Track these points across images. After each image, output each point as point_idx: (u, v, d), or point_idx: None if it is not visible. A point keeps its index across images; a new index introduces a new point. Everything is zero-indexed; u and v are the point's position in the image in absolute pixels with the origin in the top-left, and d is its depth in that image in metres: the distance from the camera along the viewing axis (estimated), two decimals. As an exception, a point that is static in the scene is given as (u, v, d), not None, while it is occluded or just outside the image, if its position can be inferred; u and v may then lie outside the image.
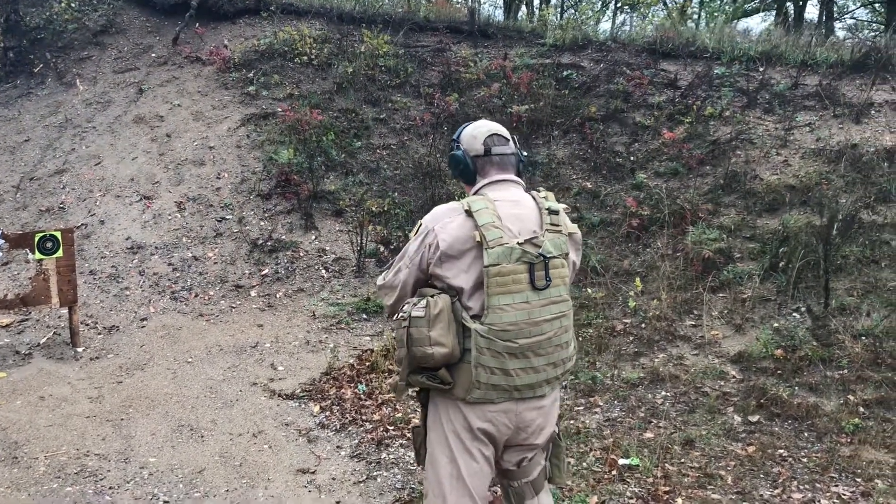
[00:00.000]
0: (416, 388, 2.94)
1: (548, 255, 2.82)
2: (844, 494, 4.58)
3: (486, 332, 2.74)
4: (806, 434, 5.39)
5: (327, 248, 8.44)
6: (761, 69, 10.14)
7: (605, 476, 4.74)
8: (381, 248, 8.37)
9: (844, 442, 5.23)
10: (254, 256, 8.31)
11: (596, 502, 4.39)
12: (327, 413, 5.60)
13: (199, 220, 8.81)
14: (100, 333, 7.05)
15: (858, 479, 4.76)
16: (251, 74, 11.01)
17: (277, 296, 7.81)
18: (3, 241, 6.31)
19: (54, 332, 6.96)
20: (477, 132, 3.02)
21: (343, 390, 5.94)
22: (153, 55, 11.60)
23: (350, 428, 5.36)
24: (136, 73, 11.28)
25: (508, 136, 3.06)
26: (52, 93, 11.03)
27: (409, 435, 5.21)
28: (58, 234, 6.57)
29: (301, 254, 8.35)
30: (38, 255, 6.49)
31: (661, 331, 6.98)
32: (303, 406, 5.74)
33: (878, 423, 5.41)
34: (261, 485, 4.60)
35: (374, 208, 8.87)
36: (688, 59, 10.55)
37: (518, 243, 2.79)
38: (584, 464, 4.91)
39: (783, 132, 8.95)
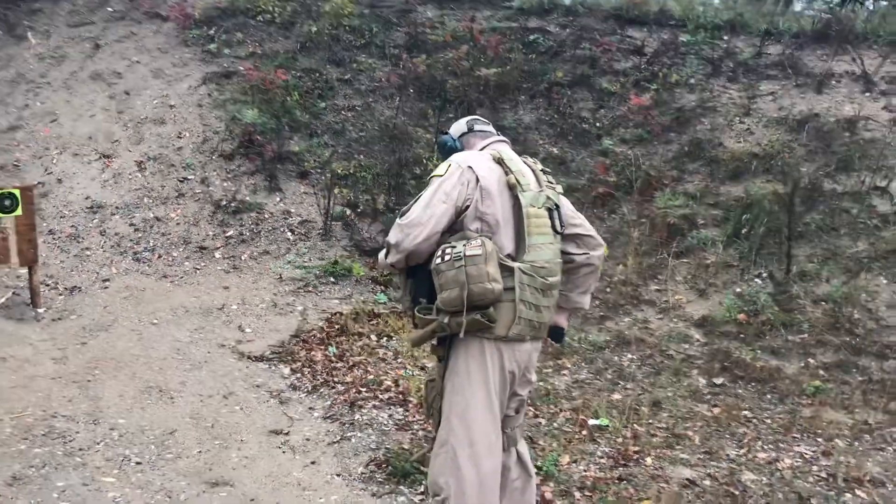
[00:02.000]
0: (437, 338, 2.98)
1: (557, 206, 3.08)
2: (806, 454, 4.73)
3: (528, 269, 2.91)
4: (769, 396, 5.54)
5: (292, 211, 8.35)
6: (725, 37, 10.21)
7: (576, 436, 4.82)
8: (348, 212, 8.31)
9: (805, 404, 5.39)
10: (217, 217, 8.19)
11: (567, 462, 4.46)
12: (298, 375, 5.58)
13: (160, 180, 8.63)
14: (61, 294, 6.90)
15: (819, 439, 4.92)
16: (213, 32, 10.74)
17: (242, 258, 7.72)
18: (-40, 198, 6.12)
19: (13, 293, 6.79)
20: (460, 121, 3.37)
21: (313, 353, 5.92)
22: (109, 9, 11.22)
23: (322, 390, 5.36)
24: (91, 28, 10.92)
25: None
26: (3, 46, 10.63)
27: (382, 397, 5.23)
28: (16, 192, 6.39)
29: (266, 216, 8.25)
30: (-3, 214, 6.31)
31: (627, 295, 7.08)
32: (273, 368, 5.72)
33: (837, 385, 5.58)
34: (234, 446, 4.58)
35: (339, 171, 8.78)
36: (654, 25, 10.56)
37: (539, 191, 3.02)
38: (555, 424, 4.98)
39: (747, 101, 9.06)
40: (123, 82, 10.00)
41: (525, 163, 3.12)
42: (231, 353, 5.92)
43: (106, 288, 7.06)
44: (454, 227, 2.94)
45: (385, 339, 6.26)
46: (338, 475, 4.29)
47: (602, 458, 4.58)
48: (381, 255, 3.10)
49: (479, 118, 3.40)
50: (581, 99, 9.75)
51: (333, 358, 5.83)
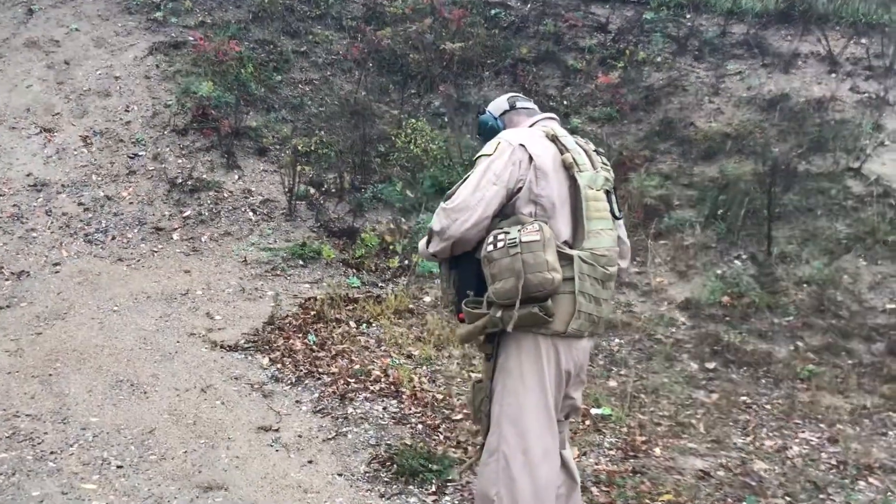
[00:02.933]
0: (487, 334, 2.71)
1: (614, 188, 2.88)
2: (812, 440, 4.66)
3: (588, 258, 2.66)
4: (763, 381, 5.47)
5: (253, 189, 7.93)
6: (689, 16, 10.12)
7: (581, 426, 4.63)
8: (312, 191, 7.93)
9: (801, 388, 5.33)
10: (173, 197, 7.71)
11: (577, 454, 4.27)
12: (278, 366, 5.25)
13: (108, 157, 8.09)
14: (7, 279, 6.38)
15: (822, 425, 4.85)
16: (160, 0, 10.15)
17: (202, 239, 7.28)
18: None
19: (-46, 279, 6.25)
20: (499, 99, 3.14)
21: (291, 341, 5.59)
22: (44, -27, 10.49)
23: (306, 381, 5.05)
24: (24, -8, 10.18)
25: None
26: (-74, 10, 9.83)
27: (372, 388, 4.95)
28: (-42, 169, 5.83)
29: (225, 194, 7.80)
30: (-65, 192, 5.74)
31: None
32: (250, 358, 5.37)
33: (829, 368, 5.53)
34: (221, 444, 4.25)
35: (300, 147, 8.38)
36: (616, 2, 10.40)
37: (595, 172, 2.79)
38: (556, 414, 4.77)
39: (715, 80, 8.99)
40: (62, 51, 9.36)
41: (577, 142, 2.87)
42: (202, 343, 5.54)
43: (57, 272, 6.55)
44: (505, 212, 2.69)
45: (364, 325, 5.96)
46: (339, 475, 4.01)
47: (611, 449, 4.41)
48: (422, 243, 2.81)
49: (520, 95, 3.19)
50: (547, 76, 9.54)
51: (314, 347, 5.51)
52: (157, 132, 8.44)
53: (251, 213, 7.64)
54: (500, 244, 2.57)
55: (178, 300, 6.21)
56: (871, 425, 4.87)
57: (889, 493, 4.07)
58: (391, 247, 7.27)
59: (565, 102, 9.14)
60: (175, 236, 7.29)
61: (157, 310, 6.01)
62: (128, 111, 8.60)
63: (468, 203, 2.61)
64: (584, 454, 4.33)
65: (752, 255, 6.78)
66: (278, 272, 6.82)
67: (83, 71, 9.08)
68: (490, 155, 2.69)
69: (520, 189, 2.67)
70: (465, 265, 2.72)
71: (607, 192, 2.83)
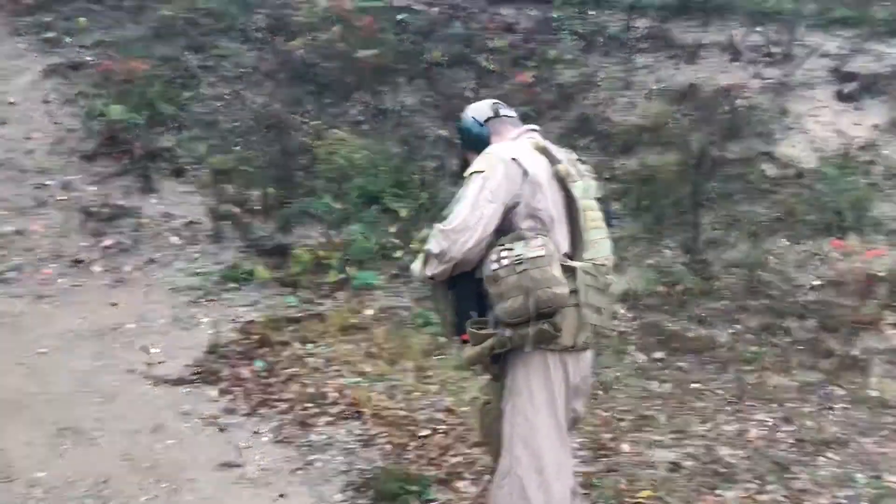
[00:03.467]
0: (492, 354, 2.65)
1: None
2: (767, 421, 4.81)
3: (590, 269, 2.65)
4: (710, 366, 5.62)
5: (173, 213, 7.62)
6: (592, 12, 10.33)
7: (547, 430, 4.63)
8: (236, 210, 7.68)
9: (747, 370, 5.50)
10: (89, 227, 7.32)
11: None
12: (229, 396, 5.06)
13: (12, 189, 7.62)
14: (-83, 329, 5.92)
15: (773, 405, 5.02)
16: (49, 18, 9.64)
17: (126, 269, 6.95)
18: None
19: None
20: (480, 104, 3.04)
21: (238, 369, 5.40)
22: (-81, -4, 9.83)
23: (262, 410, 4.88)
24: None
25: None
26: None
27: (331, 411, 4.83)
28: None
29: (144, 220, 7.47)
30: None
31: (544, 276, 6.97)
32: (197, 391, 5.15)
33: (769, 348, 5.73)
34: (184, 487, 4.06)
35: (218, 165, 8.12)
36: (522, 3, 10.51)
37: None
38: (521, 420, 4.77)
39: (625, 74, 9.20)
40: (-51, 79, 8.78)
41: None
42: (144, 380, 5.28)
43: (-29, 317, 6.13)
44: (502, 228, 2.64)
45: (310, 345, 5.81)
46: (315, 506, 3.89)
47: (580, 450, 4.43)
48: (416, 266, 2.73)
49: (501, 102, 3.10)
50: (461, 79, 9.54)
51: (263, 373, 5.34)
52: (63, 159, 8.02)
53: (174, 238, 7.35)
54: (504, 262, 2.53)
55: (110, 336, 5.90)
56: (817, 401, 5.07)
57: (848, 466, 4.23)
58: (325, 262, 7.12)
59: (482, 104, 9.16)
60: (96, 268, 6.93)
61: (88, 348, 5.70)
62: (28, 139, 8.15)
63: (468, 223, 2.56)
64: (556, 458, 4.33)
65: (681, 244, 6.96)
66: (212, 297, 6.58)
67: (-26, 99, 8.54)
68: (483, 172, 2.62)
69: (517, 204, 2.65)
70: (463, 285, 2.66)
71: (599, 200, 2.82)
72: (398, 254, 7.29)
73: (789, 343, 5.79)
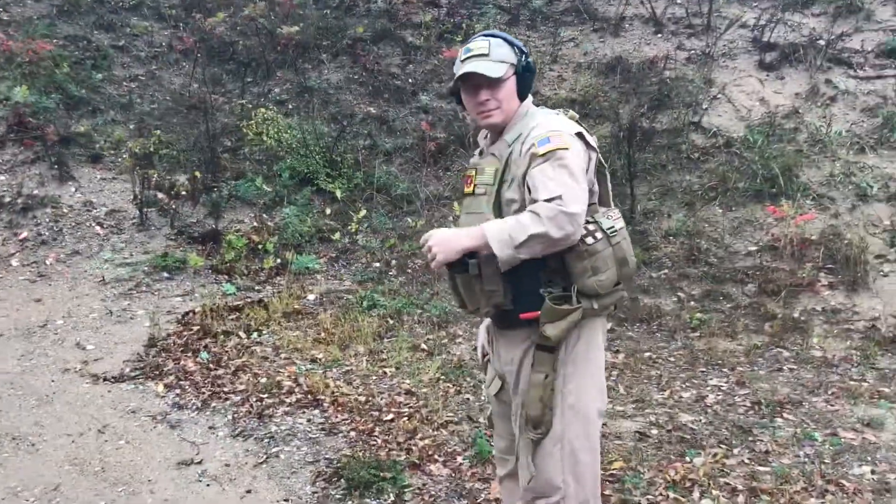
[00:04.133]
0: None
1: None
2: (722, 386, 4.90)
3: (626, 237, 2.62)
4: (658, 334, 5.70)
5: (94, 201, 7.23)
6: (515, -15, 10.29)
7: (510, 407, 4.60)
8: (161, 196, 7.34)
9: (695, 336, 5.60)
10: (3, 219, 6.88)
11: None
12: (177, 391, 4.83)
13: (-88, 181, 7.09)
14: None
15: (725, 370, 5.12)
16: (-60, -4, 8.97)
17: (48, 262, 6.55)
18: None
19: None
20: (506, 44, 2.69)
21: (183, 362, 5.16)
22: None
23: (213, 404, 4.68)
24: None
25: None
26: None
27: (288, 400, 4.66)
28: None
29: (64, 210, 7.06)
30: None
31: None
32: (141, 387, 4.90)
33: (714, 314, 5.85)
34: (143, 489, 3.84)
35: (138, 150, 7.74)
36: (444, -24, 10.38)
37: None
38: (482, 398, 4.72)
39: (551, 48, 9.20)
40: None
41: None
42: (82, 378, 4.99)
43: None
44: None
45: (255, 333, 5.61)
46: (286, 501, 3.74)
47: (546, 425, 4.40)
48: (513, 252, 2.48)
49: None
50: (387, 55, 9.38)
51: (210, 365, 5.12)
52: (-33, 148, 7.49)
53: (98, 228, 6.97)
54: (598, 234, 2.45)
55: (39, 334, 5.56)
56: (765, 363, 5.20)
57: (805, 425, 4.35)
58: (260, 246, 6.89)
59: (410, 80, 9.04)
60: (14, 262, 6.52)
61: (16, 348, 5.35)
62: (-73, 127, 7.57)
63: (584, 205, 2.40)
64: (523, 434, 4.30)
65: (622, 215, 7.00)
66: (143, 288, 6.28)
67: None
68: (568, 149, 2.45)
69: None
70: (531, 263, 2.51)
71: None
72: (336, 236, 7.12)
73: (732, 308, 5.92)
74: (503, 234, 2.40)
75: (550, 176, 2.40)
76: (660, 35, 9.18)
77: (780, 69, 8.26)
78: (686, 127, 7.78)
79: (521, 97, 2.67)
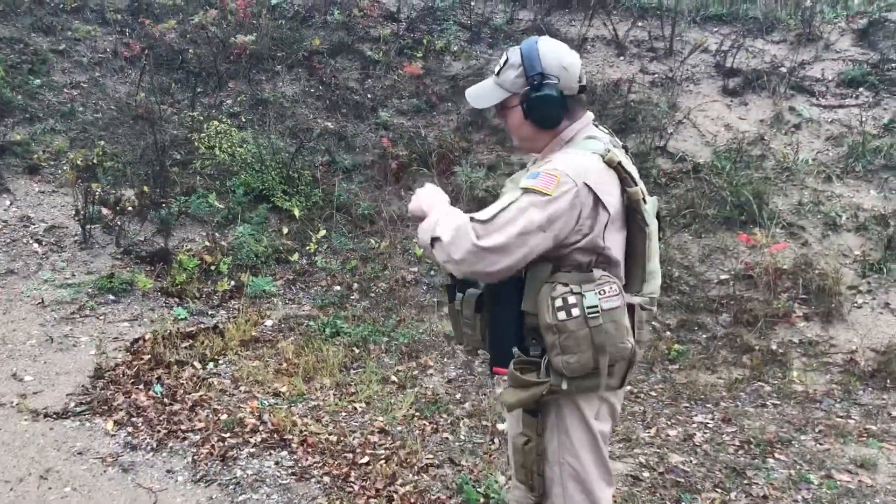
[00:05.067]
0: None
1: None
2: (709, 423, 4.72)
3: (648, 304, 2.33)
4: (637, 366, 5.48)
5: (32, 216, 6.72)
6: (473, 2, 10.10)
7: (492, 447, 4.34)
8: (106, 211, 6.86)
9: (674, 369, 5.42)
10: (-71, 233, 6.33)
11: (505, 481, 3.97)
12: (129, 429, 4.41)
13: None
14: None
15: (709, 405, 4.94)
16: None
17: (-23, 282, 6.04)
18: None
19: None
20: (567, 61, 2.34)
21: (133, 395, 4.74)
22: None
23: (170, 444, 4.28)
24: None
25: None
26: None
27: (252, 440, 4.29)
28: None
29: (-2, 225, 6.54)
30: None
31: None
32: (88, 424, 4.47)
33: (691, 345, 5.69)
34: (94, 546, 3.44)
35: (79, 162, 7.25)
36: (403, -10, 10.14)
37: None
38: (462, 436, 4.45)
39: (513, 66, 9.00)
40: None
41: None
42: (20, 414, 4.53)
43: None
44: (556, 257, 2.22)
45: (211, 364, 5.22)
46: (258, 557, 3.39)
47: (533, 467, 4.14)
48: (424, 239, 2.23)
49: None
50: (345, 68, 9.06)
51: (165, 399, 4.71)
52: None
53: (36, 245, 6.46)
54: (574, 311, 2.12)
55: (-33, 363, 5.06)
56: (748, 398, 5.06)
57: (798, 466, 4.19)
58: (213, 267, 6.49)
59: (369, 95, 8.74)
60: (-59, 282, 5.98)
61: (-57, 379, 4.85)
62: None
63: (507, 248, 2.10)
64: (511, 478, 4.04)
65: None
66: (87, 312, 5.81)
67: None
68: (548, 195, 2.12)
69: (576, 242, 2.19)
70: (503, 310, 2.25)
71: (658, 216, 2.50)
72: (294, 257, 6.76)
73: (709, 339, 5.78)
74: (430, 222, 2.23)
75: (503, 205, 2.16)
76: (622, 58, 9.10)
77: (743, 95, 8.24)
78: (653, 151, 7.67)
79: (544, 124, 2.38)
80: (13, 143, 7.27)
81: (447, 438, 4.41)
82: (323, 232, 6.97)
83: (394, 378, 5.13)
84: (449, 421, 4.63)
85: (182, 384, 4.88)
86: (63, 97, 8.02)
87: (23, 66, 8.14)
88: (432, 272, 6.67)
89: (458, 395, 4.97)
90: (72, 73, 8.37)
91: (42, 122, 7.63)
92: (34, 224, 6.64)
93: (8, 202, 6.79)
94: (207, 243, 6.76)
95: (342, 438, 4.33)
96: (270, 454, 4.18)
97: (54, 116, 7.75)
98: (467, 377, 5.26)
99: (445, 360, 5.49)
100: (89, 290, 6.04)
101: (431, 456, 4.18)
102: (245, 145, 7.61)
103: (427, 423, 4.55)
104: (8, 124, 7.45)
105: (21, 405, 4.61)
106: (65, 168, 7.21)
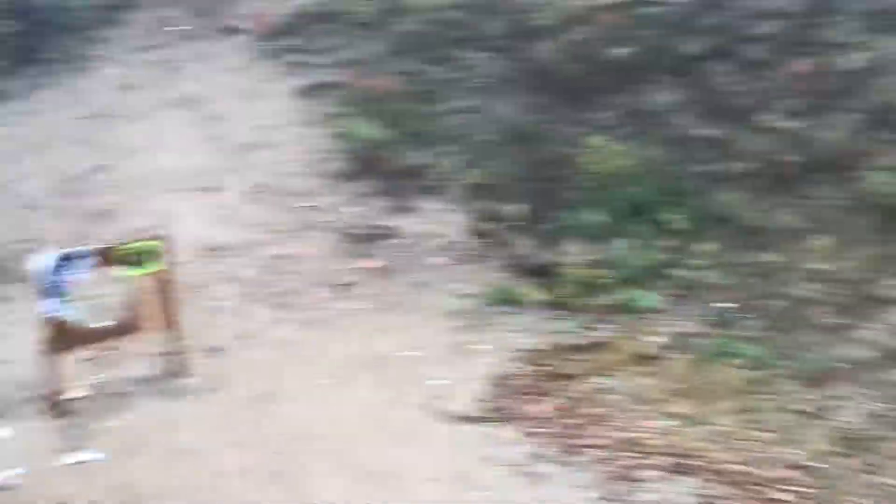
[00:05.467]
0: None
1: None
2: None
3: None
4: None
5: (433, 232, 7.32)
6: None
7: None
8: (495, 226, 7.25)
9: None
10: (351, 249, 7.19)
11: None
12: (533, 439, 4.54)
13: (274, 212, 7.65)
14: (204, 357, 5.90)
15: None
16: (295, 41, 9.76)
17: (391, 291, 6.70)
18: (89, 258, 5.15)
19: (152, 362, 5.79)
20: None
21: (534, 406, 4.89)
22: (178, 28, 10.28)
23: (573, 458, 4.33)
24: (162, 51, 9.97)
25: None
26: (72, 80, 9.69)
27: (658, 462, 4.18)
28: (150, 245, 5.42)
29: (406, 240, 7.23)
30: (131, 272, 5.33)
31: (860, 295, 5.97)
32: (494, 432, 4.69)
33: None
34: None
35: (472, 181, 7.75)
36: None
37: None
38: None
39: None
40: (209, 106, 9.05)
41: None
42: (434, 416, 4.91)
43: (251, 345, 6.06)
44: None
45: (606, 379, 5.21)
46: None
47: None
48: None
49: None
50: (724, 71, 8.61)
51: (563, 411, 4.79)
52: (318, 180, 7.98)
53: (435, 258, 7.03)
54: None
55: (388, 365, 5.61)
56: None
57: None
58: (597, 281, 6.51)
59: (752, 98, 8.20)
60: (360, 291, 6.75)
61: (368, 379, 5.43)
62: (287, 162, 8.19)
63: None
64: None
65: None
66: (485, 322, 6.16)
67: (234, 124, 8.74)
68: None
69: None
70: None
71: None
72: (678, 272, 6.55)
73: None
74: None
75: None
76: None
77: None
78: None
79: None
80: (414, 166, 8.00)
81: (883, 483, 3.89)
82: (708, 245, 6.67)
83: (803, 407, 4.69)
84: (879, 460, 4.10)
85: (578, 398, 4.94)
86: (455, 121, 8.65)
87: (422, 96, 8.93)
88: (829, 288, 6.03)
89: (883, 432, 4.39)
90: (463, 98, 8.99)
91: (438, 146, 8.30)
92: (435, 239, 7.23)
93: (412, 219, 7.48)
94: (589, 257, 6.82)
95: (751, 470, 4.04)
96: (675, 479, 4.03)
97: (449, 140, 8.38)
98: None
99: (866, 390, 4.89)
100: (484, 301, 6.41)
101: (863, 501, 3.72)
102: (624, 158, 7.57)
103: (852, 461, 4.07)
104: (411, 149, 8.21)
105: (435, 408, 4.99)
106: (460, 187, 7.75)
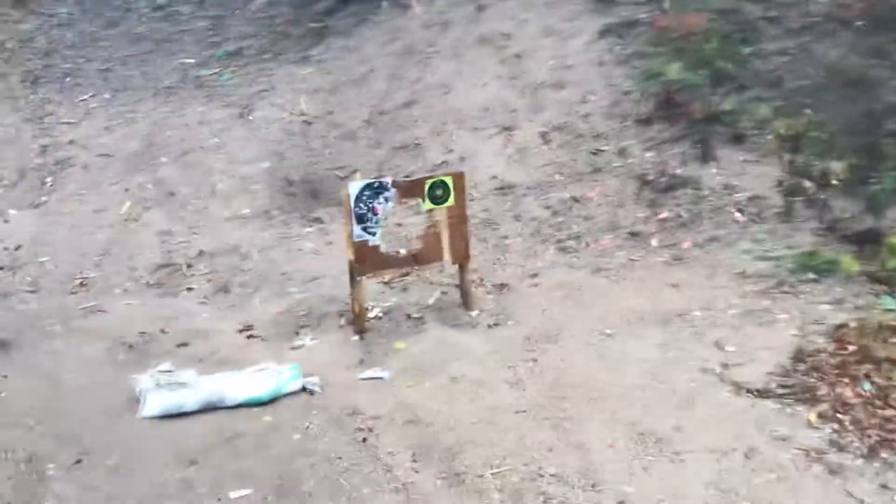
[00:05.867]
0: None
1: None
2: None
3: None
4: None
5: (735, 185, 6.80)
6: None
7: None
8: (808, 184, 6.56)
9: None
10: (645, 196, 6.91)
11: None
12: (833, 425, 4.08)
13: (569, 154, 7.55)
14: (489, 293, 6.05)
15: None
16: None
17: (684, 246, 6.36)
18: (393, 189, 5.41)
19: (441, 292, 6.04)
20: None
21: (838, 389, 4.39)
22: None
23: (883, 453, 3.82)
24: (473, -11, 10.15)
25: None
26: (389, 17, 10.22)
27: None
28: (448, 180, 5.58)
29: (704, 192, 6.79)
30: (428, 205, 5.54)
31: None
32: (789, 410, 4.28)
33: None
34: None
35: (783, 131, 7.02)
36: None
37: None
38: None
39: None
40: (512, 44, 9.08)
41: None
42: (721, 383, 4.58)
43: (536, 285, 6.09)
44: None
45: (930, 368, 4.53)
46: None
47: None
48: None
49: None
50: None
51: (875, 400, 4.25)
52: (618, 123, 7.72)
53: (738, 214, 6.53)
54: None
55: (675, 323, 5.33)
56: None
57: None
58: (930, 255, 5.65)
59: None
60: (653, 242, 6.48)
61: (653, 335, 5.20)
62: (584, 102, 8.02)
63: None
64: None
65: None
66: (786, 289, 5.63)
67: (534, 63, 8.70)
68: None
69: None
70: None
71: None
72: None
73: None
74: None
75: None
76: None
77: None
78: None
79: None
80: (722, 112, 7.44)
81: None
82: None
83: None
84: None
85: (893, 387, 4.34)
86: (770, 65, 7.90)
87: (735, 36, 8.25)
88: None
89: None
90: (781, 39, 8.18)
91: (749, 91, 7.64)
92: (736, 193, 6.72)
93: (714, 170, 7.00)
94: (926, 227, 5.94)
95: None
96: None
97: (761, 84, 7.69)
98: None
99: None
100: (789, 265, 5.85)
101: None
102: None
103: None
104: (718, 94, 7.64)
105: (723, 375, 4.67)
106: (769, 137, 7.09)
